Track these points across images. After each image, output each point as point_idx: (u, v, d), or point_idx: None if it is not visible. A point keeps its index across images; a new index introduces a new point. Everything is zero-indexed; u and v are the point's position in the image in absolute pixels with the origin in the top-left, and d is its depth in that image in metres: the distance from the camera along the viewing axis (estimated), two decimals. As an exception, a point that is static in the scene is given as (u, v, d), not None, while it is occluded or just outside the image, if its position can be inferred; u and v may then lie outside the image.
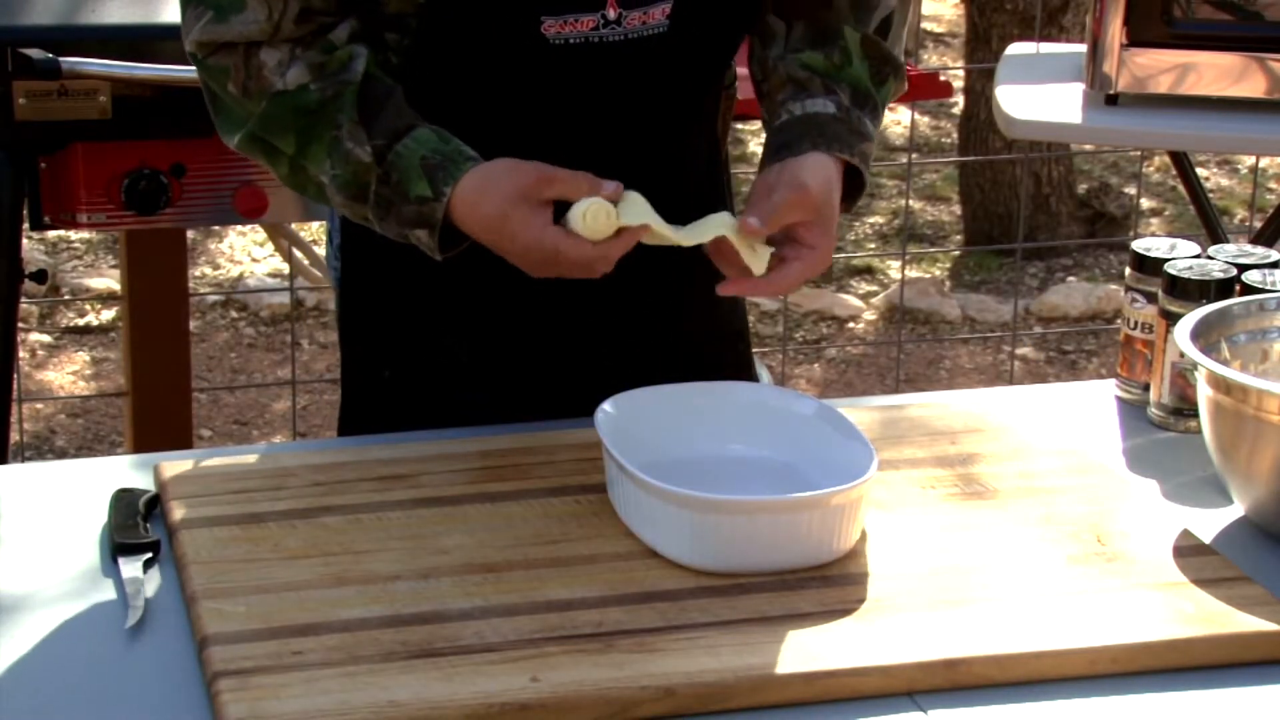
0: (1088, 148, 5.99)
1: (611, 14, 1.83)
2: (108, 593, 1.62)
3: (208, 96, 1.86)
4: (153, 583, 1.63)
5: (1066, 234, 5.78)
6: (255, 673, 1.45)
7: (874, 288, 5.57)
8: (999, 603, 1.58)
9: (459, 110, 1.85)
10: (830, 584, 1.60)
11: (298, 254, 4.20)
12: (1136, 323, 2.02)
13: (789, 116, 1.86)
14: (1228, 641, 1.54)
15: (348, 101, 1.78)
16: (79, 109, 2.75)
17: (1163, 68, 3.23)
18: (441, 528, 1.69)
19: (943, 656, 1.50)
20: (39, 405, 4.79)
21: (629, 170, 1.92)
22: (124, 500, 1.73)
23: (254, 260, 5.69)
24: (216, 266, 5.65)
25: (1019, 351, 5.22)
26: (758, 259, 1.78)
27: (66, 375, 5.00)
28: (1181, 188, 4.68)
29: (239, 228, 5.75)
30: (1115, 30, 3.21)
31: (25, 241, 2.95)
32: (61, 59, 2.72)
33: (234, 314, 5.35)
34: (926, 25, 7.66)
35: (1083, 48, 3.36)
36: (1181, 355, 1.79)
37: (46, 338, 5.17)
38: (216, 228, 5.72)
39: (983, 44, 5.80)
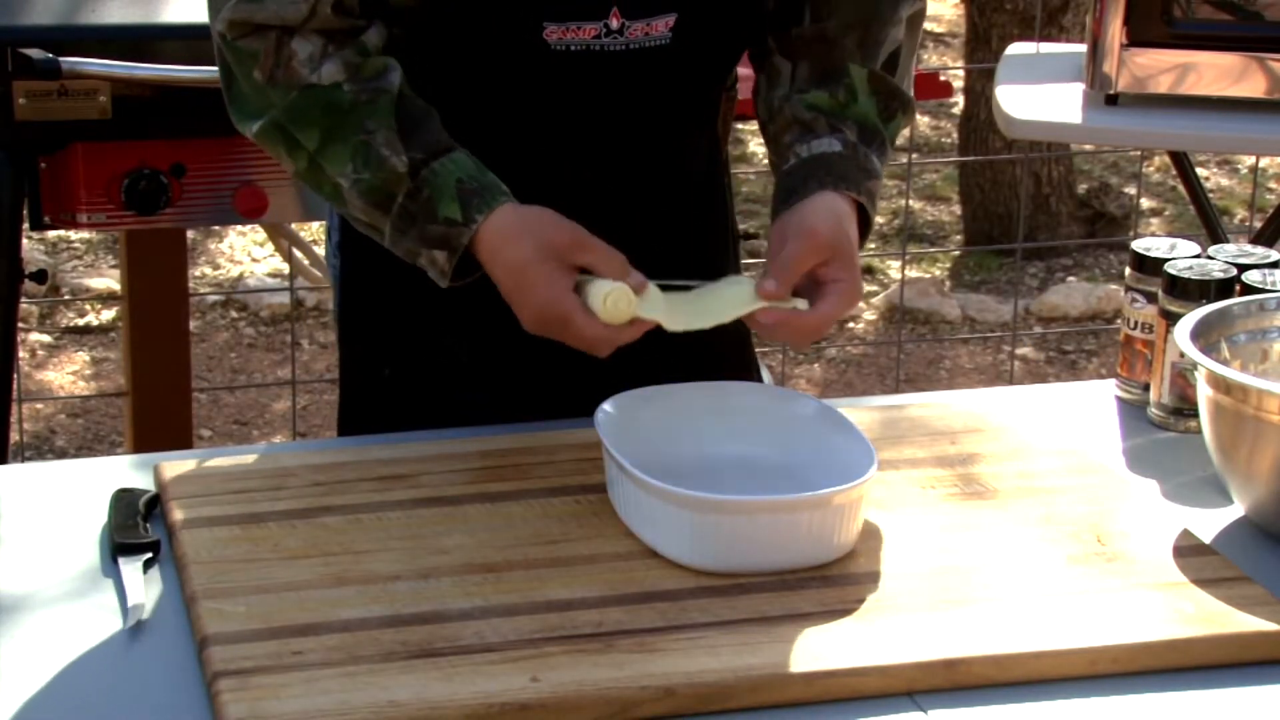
0: (1088, 148, 5.99)
1: (614, 23, 1.83)
2: (108, 593, 1.62)
3: (225, 80, 1.83)
4: (153, 583, 1.63)
5: (1066, 234, 5.79)
6: (255, 673, 1.45)
7: (874, 288, 5.57)
8: (999, 603, 1.58)
9: (456, 109, 1.85)
10: (830, 584, 1.60)
11: (298, 254, 4.20)
12: (1136, 323, 2.02)
13: (795, 160, 1.85)
14: (1228, 641, 1.54)
15: (383, 109, 1.76)
16: (79, 109, 2.75)
17: (1163, 68, 3.23)
18: (441, 528, 1.69)
19: (943, 656, 1.50)
20: (39, 405, 4.79)
21: (628, 172, 1.93)
22: (124, 500, 1.73)
23: (254, 260, 5.70)
24: (216, 266, 5.65)
25: (1019, 351, 5.23)
26: (789, 310, 1.77)
27: (66, 375, 5.00)
28: (1181, 188, 4.68)
29: (239, 228, 5.75)
30: (1115, 30, 3.21)
31: (25, 241, 2.95)
32: (61, 59, 2.71)
33: (234, 314, 5.35)
34: (927, 25, 7.65)
35: (1083, 48, 3.36)
36: (1181, 355, 1.79)
37: (46, 338, 5.17)
38: (216, 228, 5.72)
39: (983, 44, 5.80)
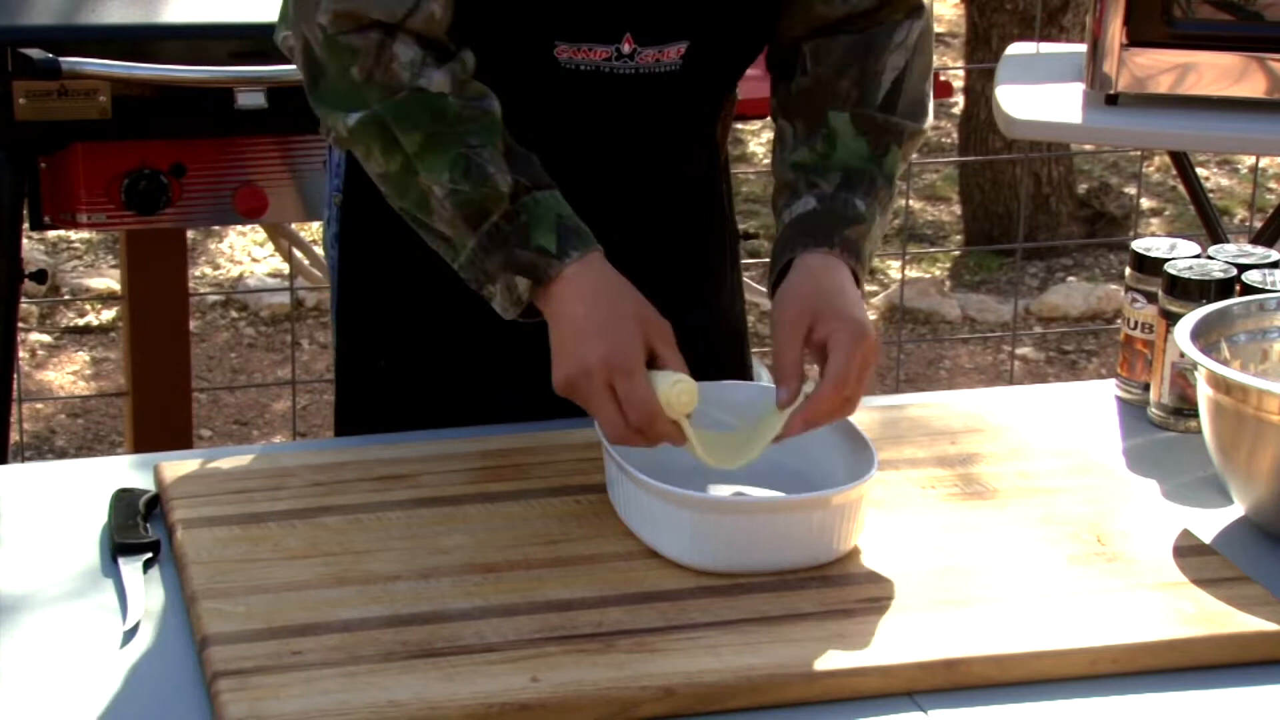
0: (1088, 148, 5.99)
1: (626, 49, 1.83)
2: (108, 593, 1.62)
3: (312, 72, 1.78)
4: (153, 583, 1.63)
5: (1066, 234, 5.78)
6: (255, 673, 1.45)
7: (874, 288, 5.57)
8: (999, 603, 1.58)
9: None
10: (830, 584, 1.60)
11: (298, 254, 4.20)
12: (1136, 323, 2.02)
13: (781, 227, 1.84)
14: (1228, 641, 1.54)
15: (489, 128, 1.74)
16: (79, 109, 2.75)
17: (1163, 68, 3.23)
18: (441, 528, 1.69)
19: (943, 656, 1.50)
20: (39, 405, 4.79)
21: (628, 178, 1.93)
22: (124, 500, 1.73)
23: (254, 260, 5.70)
24: (216, 266, 5.65)
25: (1019, 351, 5.22)
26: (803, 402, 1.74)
27: (66, 375, 5.00)
28: (1181, 188, 4.68)
29: (239, 228, 5.75)
30: (1115, 30, 3.21)
31: (25, 241, 2.96)
32: (61, 59, 2.71)
33: (234, 314, 5.35)
34: (926, 25, 7.65)
35: (1083, 48, 3.36)
36: (1181, 355, 1.79)
37: (46, 338, 5.17)
38: (216, 228, 5.72)
39: (983, 44, 5.80)
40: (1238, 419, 1.71)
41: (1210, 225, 3.66)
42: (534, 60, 1.80)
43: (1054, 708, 1.48)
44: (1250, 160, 6.41)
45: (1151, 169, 6.52)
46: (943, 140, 6.76)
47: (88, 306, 5.33)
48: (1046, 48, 3.75)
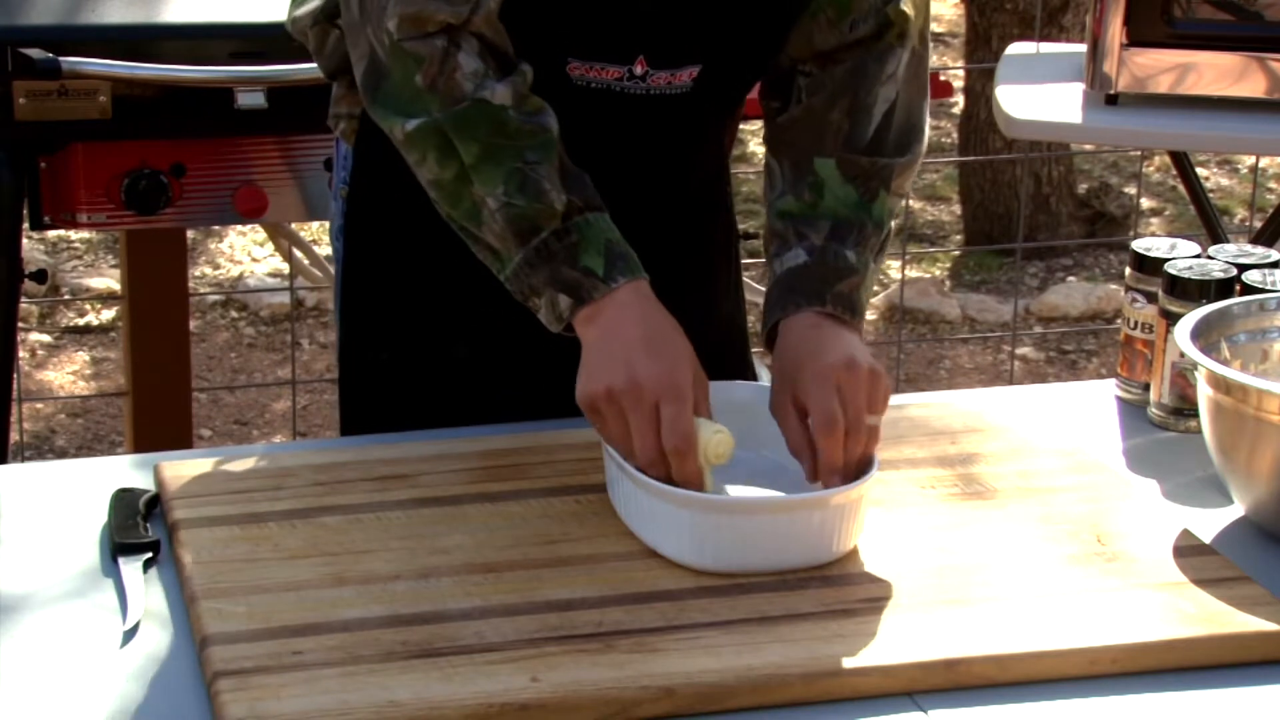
0: (1088, 148, 5.99)
1: (638, 70, 1.83)
2: (108, 593, 1.62)
3: (373, 76, 1.78)
4: (153, 583, 1.63)
5: (1066, 234, 5.79)
6: (255, 673, 1.45)
7: (874, 288, 5.58)
8: (999, 603, 1.58)
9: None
10: (830, 584, 1.60)
11: (298, 254, 4.20)
12: (1136, 323, 2.02)
13: (772, 279, 1.84)
14: (1228, 641, 1.54)
15: (546, 145, 1.74)
16: (79, 109, 2.75)
17: (1163, 68, 3.23)
18: (441, 528, 1.69)
19: (943, 656, 1.50)
20: (39, 405, 4.79)
21: (635, 185, 1.93)
22: (124, 500, 1.73)
23: (254, 260, 5.70)
24: (216, 266, 5.65)
25: (1019, 351, 5.22)
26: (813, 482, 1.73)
27: (66, 375, 5.00)
28: (1181, 188, 4.68)
29: (239, 227, 5.75)
30: (1115, 30, 3.21)
31: (25, 241, 2.96)
32: (61, 59, 2.71)
33: (234, 314, 5.35)
34: (926, 25, 7.65)
35: (1083, 48, 3.36)
36: (1181, 355, 1.79)
37: (46, 338, 5.17)
38: (216, 227, 5.72)
39: (983, 44, 5.80)
40: (1238, 419, 1.71)
41: (1210, 225, 3.66)
42: (546, 75, 1.80)
43: (1054, 708, 1.48)
44: (1250, 160, 6.41)
45: (1151, 169, 6.52)
46: (943, 140, 6.76)
47: (88, 306, 5.33)
48: (1046, 48, 3.75)
